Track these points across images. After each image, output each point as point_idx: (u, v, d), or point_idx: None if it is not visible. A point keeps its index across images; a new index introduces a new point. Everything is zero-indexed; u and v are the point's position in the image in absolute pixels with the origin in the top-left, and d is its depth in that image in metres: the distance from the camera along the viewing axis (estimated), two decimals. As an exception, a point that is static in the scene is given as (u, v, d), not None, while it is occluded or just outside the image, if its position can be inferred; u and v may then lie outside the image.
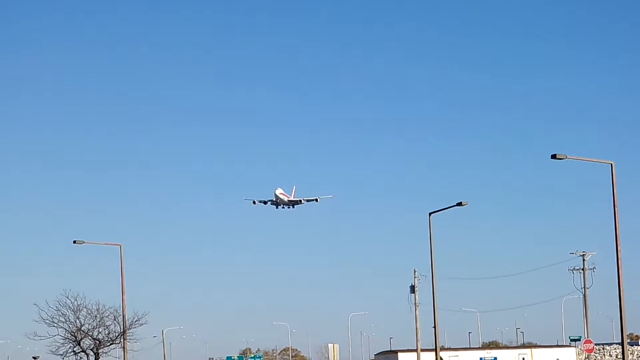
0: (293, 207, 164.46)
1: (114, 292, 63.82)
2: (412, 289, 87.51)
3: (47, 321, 65.20)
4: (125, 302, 67.01)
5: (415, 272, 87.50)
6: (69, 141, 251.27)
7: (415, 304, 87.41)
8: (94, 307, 66.45)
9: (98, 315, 66.41)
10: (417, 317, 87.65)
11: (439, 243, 63.74)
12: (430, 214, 61.16)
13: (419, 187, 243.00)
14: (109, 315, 66.73)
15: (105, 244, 72.13)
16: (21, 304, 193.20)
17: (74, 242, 69.05)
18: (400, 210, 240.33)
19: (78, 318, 65.93)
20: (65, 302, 65.61)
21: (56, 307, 65.36)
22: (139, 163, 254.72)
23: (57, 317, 65.34)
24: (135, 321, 67.10)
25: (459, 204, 60.04)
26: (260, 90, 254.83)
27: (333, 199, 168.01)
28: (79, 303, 65.91)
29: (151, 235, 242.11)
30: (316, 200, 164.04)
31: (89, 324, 66.25)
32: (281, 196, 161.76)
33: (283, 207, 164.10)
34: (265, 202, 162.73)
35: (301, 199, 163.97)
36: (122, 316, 66.49)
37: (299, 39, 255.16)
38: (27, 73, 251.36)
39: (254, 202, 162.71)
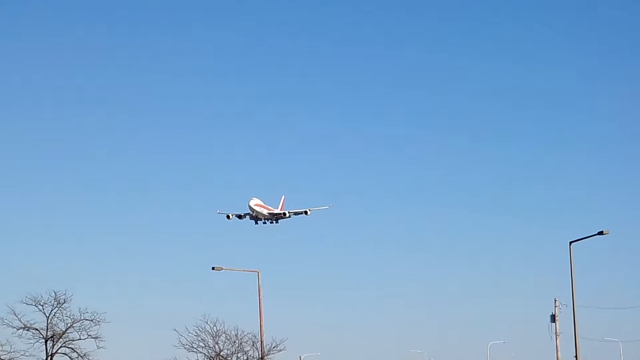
0: (277, 221, 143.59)
1: (252, 317, 64.74)
2: (553, 317, 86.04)
3: (186, 346, 66.20)
4: (264, 327, 67.04)
5: (555, 301, 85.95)
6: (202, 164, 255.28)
7: (555, 333, 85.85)
8: (232, 332, 67.23)
9: (237, 341, 67.13)
10: (558, 346, 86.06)
11: (580, 271, 62.34)
12: (570, 242, 59.98)
13: (558, 214, 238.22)
14: (247, 341, 67.40)
15: (243, 270, 72.35)
16: (161, 329, 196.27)
17: (213, 268, 68.76)
18: (541, 238, 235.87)
19: (217, 343, 66.73)
20: (205, 328, 66.60)
21: (195, 332, 66.41)
22: (276, 190, 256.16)
23: (197, 343, 66.34)
24: (274, 347, 67.32)
25: (600, 232, 58.68)
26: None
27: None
28: (217, 328, 66.81)
29: (289, 260, 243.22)
30: (305, 212, 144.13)
31: (228, 349, 66.99)
32: (257, 208, 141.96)
33: (264, 222, 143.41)
34: (240, 217, 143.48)
35: (287, 211, 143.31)
36: (260, 342, 66.80)
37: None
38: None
39: (228, 217, 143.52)
